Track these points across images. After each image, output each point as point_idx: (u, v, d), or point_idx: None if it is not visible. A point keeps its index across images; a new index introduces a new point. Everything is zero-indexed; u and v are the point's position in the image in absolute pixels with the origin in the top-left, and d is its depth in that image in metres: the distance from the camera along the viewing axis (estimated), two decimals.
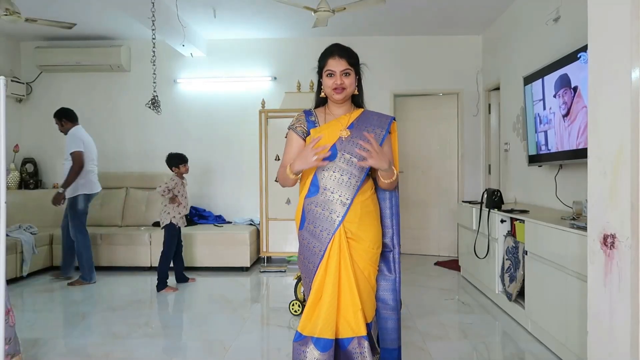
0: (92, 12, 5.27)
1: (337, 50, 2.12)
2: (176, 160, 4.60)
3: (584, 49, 3.08)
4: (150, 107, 4.64)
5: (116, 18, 5.48)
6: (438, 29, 5.89)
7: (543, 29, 4.19)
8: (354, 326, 2.01)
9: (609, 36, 1.79)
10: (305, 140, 2.16)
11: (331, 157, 2.05)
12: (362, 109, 2.21)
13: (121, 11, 4.90)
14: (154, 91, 4.70)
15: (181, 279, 4.77)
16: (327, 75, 2.11)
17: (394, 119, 2.20)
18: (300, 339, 2.01)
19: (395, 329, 2.18)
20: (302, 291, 3.85)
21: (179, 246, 4.72)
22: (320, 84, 2.18)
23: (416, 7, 5.15)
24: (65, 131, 4.83)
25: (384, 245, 2.19)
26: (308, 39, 6.16)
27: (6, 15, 4.07)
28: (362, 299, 2.04)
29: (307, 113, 2.21)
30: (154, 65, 4.64)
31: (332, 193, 2.05)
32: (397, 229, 2.22)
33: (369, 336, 2.08)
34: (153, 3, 4.32)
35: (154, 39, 4.56)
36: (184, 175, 4.68)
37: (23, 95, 6.25)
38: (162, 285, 4.47)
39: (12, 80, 6.04)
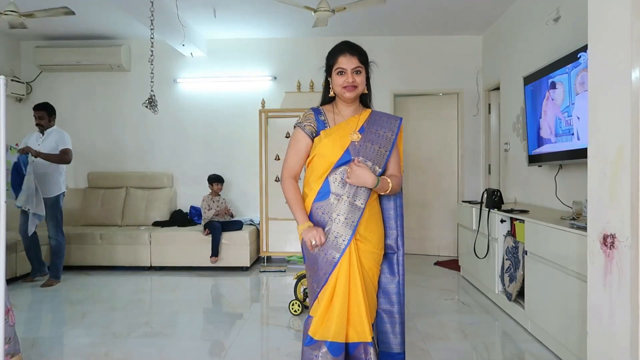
0: (92, 11, 5.27)
1: (348, 48, 2.05)
2: (210, 179, 5.69)
3: (584, 49, 3.08)
4: (147, 107, 4.64)
5: (116, 17, 5.48)
6: (438, 29, 5.89)
7: (543, 29, 4.19)
8: (359, 331, 1.98)
9: (609, 36, 1.79)
10: (312, 140, 2.09)
11: (344, 162, 2.03)
12: (370, 110, 2.17)
13: (121, 11, 4.90)
14: (151, 91, 4.70)
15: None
16: (337, 73, 2.04)
17: (401, 119, 2.16)
18: (312, 343, 1.99)
19: (400, 333, 2.13)
20: (301, 291, 3.85)
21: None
22: (328, 82, 2.11)
23: (416, 7, 5.14)
24: (46, 126, 4.83)
25: (388, 247, 2.16)
26: (308, 39, 6.17)
27: (6, 15, 4.07)
28: (371, 303, 2.05)
29: (317, 112, 2.12)
30: (152, 64, 4.64)
31: (345, 198, 2.01)
32: (402, 230, 2.17)
33: (373, 340, 2.06)
34: (152, 2, 4.32)
35: (152, 38, 4.56)
36: (218, 192, 5.67)
37: (23, 95, 6.25)
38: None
39: (12, 80, 6.04)
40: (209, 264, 5.34)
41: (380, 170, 2.06)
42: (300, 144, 2.09)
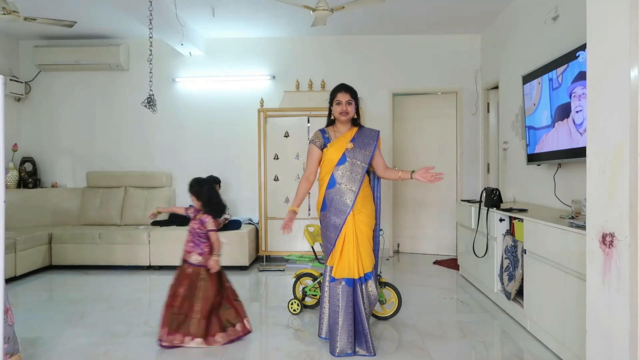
0: (91, 10, 5.26)
1: (343, 87, 3.11)
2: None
3: (583, 47, 3.09)
4: (146, 106, 4.64)
5: (115, 17, 5.47)
6: (437, 27, 5.89)
7: (542, 28, 4.19)
8: (356, 270, 2.96)
9: (607, 35, 1.79)
10: (322, 151, 3.08)
11: (342, 162, 3.02)
12: (357, 127, 3.15)
13: (120, 10, 4.89)
14: (150, 90, 4.70)
15: None
16: (336, 104, 3.08)
17: (379, 132, 3.18)
18: (335, 280, 2.95)
19: (375, 266, 3.15)
20: (300, 290, 3.86)
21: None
22: (330, 110, 3.13)
23: (415, 6, 5.14)
24: None
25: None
26: (307, 38, 6.16)
27: (4, 14, 4.06)
28: (366, 253, 3.01)
29: (322, 131, 3.14)
30: (150, 64, 4.64)
31: (345, 185, 3.01)
32: (379, 208, 3.22)
33: (372, 276, 3.04)
34: (151, 2, 4.32)
35: (151, 37, 4.56)
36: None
37: (22, 94, 6.24)
38: None
39: (10, 79, 6.03)
40: None
41: (366, 166, 3.03)
42: (314, 155, 3.12)
